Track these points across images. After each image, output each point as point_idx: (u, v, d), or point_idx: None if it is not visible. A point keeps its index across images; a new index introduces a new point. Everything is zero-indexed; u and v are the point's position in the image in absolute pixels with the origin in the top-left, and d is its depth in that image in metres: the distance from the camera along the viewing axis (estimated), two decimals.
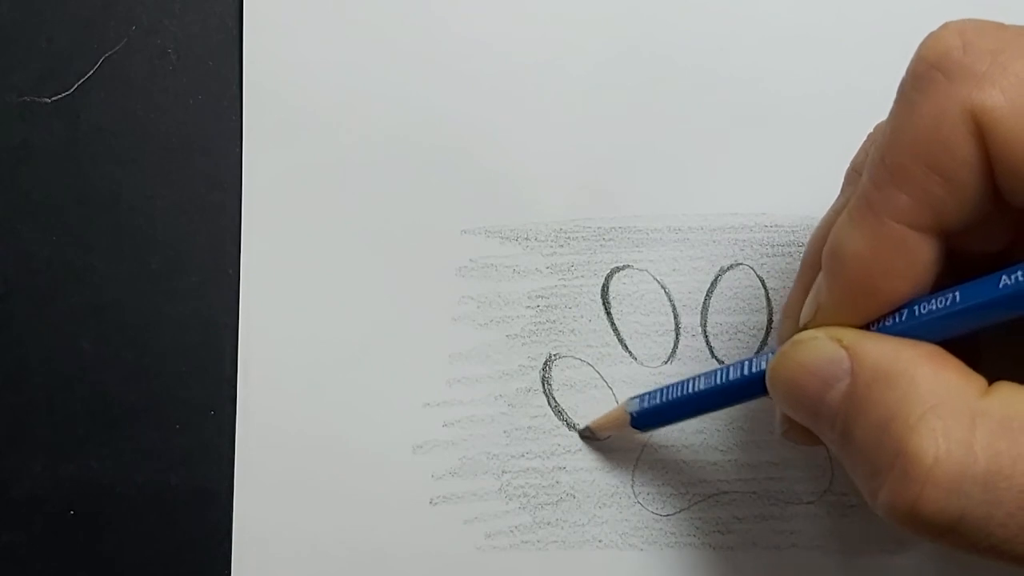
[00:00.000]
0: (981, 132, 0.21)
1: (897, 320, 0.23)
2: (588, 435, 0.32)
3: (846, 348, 0.23)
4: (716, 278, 0.32)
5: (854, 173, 0.27)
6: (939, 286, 0.23)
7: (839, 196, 0.27)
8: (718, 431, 0.32)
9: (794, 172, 0.32)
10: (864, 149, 0.27)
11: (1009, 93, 0.21)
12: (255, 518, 0.32)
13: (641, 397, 0.30)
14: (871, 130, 0.26)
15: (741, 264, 0.32)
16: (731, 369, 0.27)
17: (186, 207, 0.33)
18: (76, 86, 0.33)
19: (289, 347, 0.32)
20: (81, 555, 0.32)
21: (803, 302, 0.25)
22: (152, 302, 0.33)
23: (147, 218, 0.33)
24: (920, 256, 0.23)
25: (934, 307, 0.22)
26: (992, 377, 0.22)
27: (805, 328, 0.25)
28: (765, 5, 0.33)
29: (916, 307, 0.23)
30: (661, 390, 0.29)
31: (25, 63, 0.34)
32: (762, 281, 0.32)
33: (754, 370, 0.26)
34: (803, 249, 0.32)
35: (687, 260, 0.32)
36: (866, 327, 0.24)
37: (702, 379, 0.28)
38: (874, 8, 0.33)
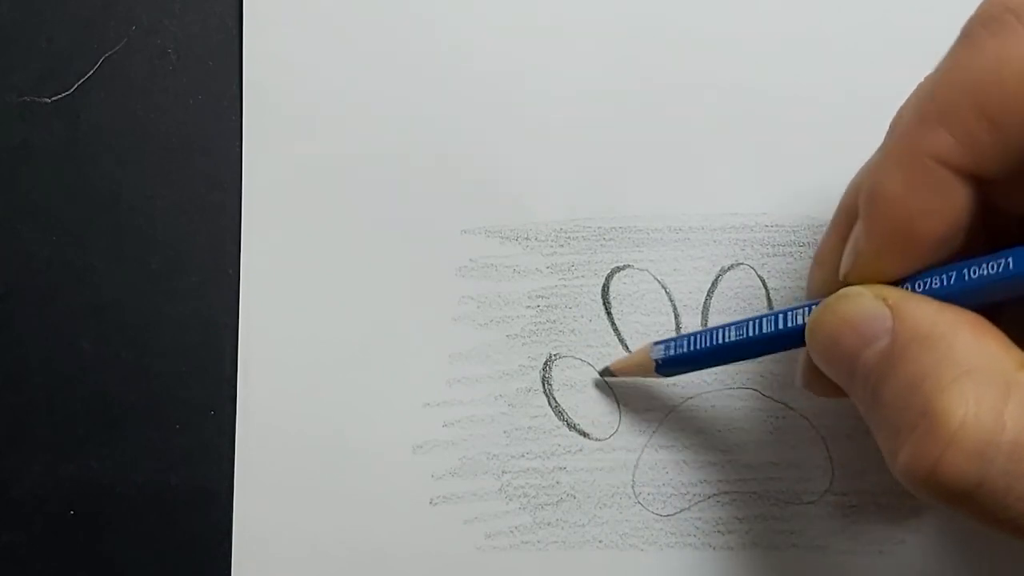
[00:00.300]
0: None
1: (945, 283, 0.23)
2: (607, 375, 0.32)
3: (890, 307, 0.22)
4: (717, 278, 0.32)
5: (899, 119, 0.26)
6: (975, 248, 0.23)
7: (881, 146, 0.26)
8: (718, 431, 0.32)
9: (794, 172, 0.32)
10: (913, 97, 0.26)
11: None
12: (255, 518, 0.32)
13: (667, 344, 0.30)
14: (921, 80, 0.26)
15: (742, 264, 0.32)
16: (763, 321, 0.27)
17: (186, 207, 0.33)
18: (76, 86, 0.33)
19: (289, 347, 0.32)
20: (81, 555, 0.32)
21: (836, 250, 0.25)
22: (152, 302, 0.33)
23: (147, 218, 0.33)
24: (955, 199, 0.22)
25: (985, 272, 0.22)
26: None
27: (846, 279, 0.24)
28: (765, 6, 0.33)
29: (966, 271, 0.22)
30: (688, 337, 0.29)
31: (25, 63, 0.34)
32: (763, 281, 0.32)
33: (789, 324, 0.26)
34: (804, 249, 0.32)
35: (688, 260, 0.32)
36: (914, 289, 0.23)
37: (733, 329, 0.28)
38: (874, 9, 0.33)
